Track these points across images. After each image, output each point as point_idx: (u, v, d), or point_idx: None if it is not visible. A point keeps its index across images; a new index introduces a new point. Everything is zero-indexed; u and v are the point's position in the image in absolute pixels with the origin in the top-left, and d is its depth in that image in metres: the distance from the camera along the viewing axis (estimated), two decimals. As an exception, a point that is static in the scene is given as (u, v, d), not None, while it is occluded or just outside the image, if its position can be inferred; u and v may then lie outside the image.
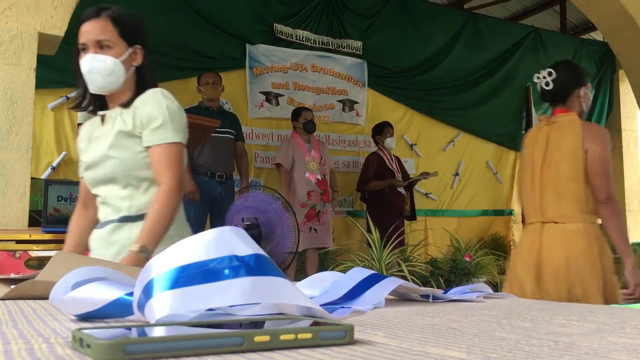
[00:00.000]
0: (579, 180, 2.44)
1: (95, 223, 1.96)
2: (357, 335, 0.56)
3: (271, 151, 5.90)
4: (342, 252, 5.73)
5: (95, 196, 1.95)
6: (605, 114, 8.26)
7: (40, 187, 3.71)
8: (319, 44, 6.45)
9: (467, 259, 5.87)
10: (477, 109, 7.36)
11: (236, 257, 0.59)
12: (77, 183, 3.58)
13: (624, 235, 2.51)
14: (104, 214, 1.90)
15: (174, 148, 1.83)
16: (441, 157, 7.13)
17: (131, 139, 1.83)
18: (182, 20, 5.61)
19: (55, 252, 1.23)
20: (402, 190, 5.86)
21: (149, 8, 5.45)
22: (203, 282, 0.56)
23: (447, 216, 7.07)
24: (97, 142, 1.92)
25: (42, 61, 4.15)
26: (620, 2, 5.71)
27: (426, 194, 6.97)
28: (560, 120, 2.54)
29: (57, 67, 4.82)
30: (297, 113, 5.43)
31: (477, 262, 5.90)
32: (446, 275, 5.80)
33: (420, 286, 1.09)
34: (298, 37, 6.32)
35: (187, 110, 4.81)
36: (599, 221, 2.53)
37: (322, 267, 5.43)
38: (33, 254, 2.48)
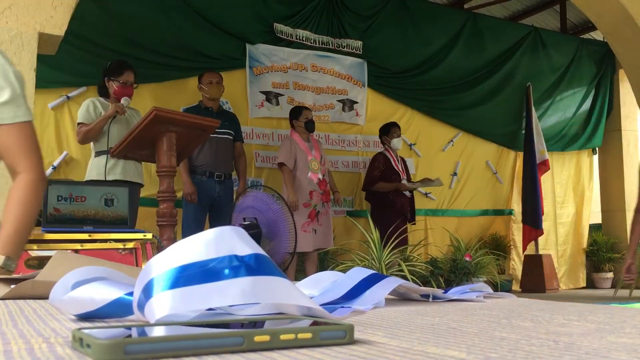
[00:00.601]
0: None
1: None
2: (357, 335, 0.56)
3: (271, 151, 5.90)
4: (342, 252, 5.73)
5: None
6: (605, 113, 8.25)
7: (40, 187, 3.71)
8: (319, 44, 6.45)
9: (467, 258, 5.87)
10: (477, 109, 7.35)
11: (236, 256, 0.59)
12: (78, 183, 3.58)
13: None
14: None
15: (29, 128, 1.51)
16: (440, 157, 7.13)
17: None
18: (182, 20, 5.61)
19: (55, 252, 1.23)
20: (407, 192, 5.88)
21: (149, 8, 5.46)
22: (203, 281, 0.56)
23: (447, 216, 7.06)
24: None
25: (42, 61, 4.15)
26: (620, 2, 5.71)
27: (426, 194, 6.97)
28: None
29: (57, 66, 4.83)
30: (297, 112, 5.41)
31: (477, 262, 5.90)
32: (446, 275, 5.80)
33: (420, 286, 1.09)
34: (298, 37, 6.32)
35: (187, 110, 4.86)
36: None
37: (322, 267, 5.43)
38: (33, 253, 2.48)
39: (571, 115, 8.09)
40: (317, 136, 6.23)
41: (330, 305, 0.82)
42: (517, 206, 7.57)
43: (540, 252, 7.34)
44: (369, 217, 5.35)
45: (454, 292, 1.03)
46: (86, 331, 0.48)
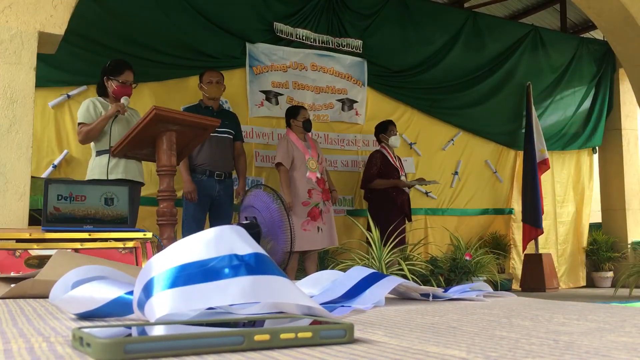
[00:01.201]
0: None
1: None
2: (357, 334, 0.56)
3: (271, 150, 5.90)
4: (342, 251, 5.73)
5: None
6: (605, 112, 8.25)
7: (40, 186, 3.71)
8: (318, 43, 6.44)
9: (467, 257, 5.86)
10: (477, 108, 7.35)
11: (236, 256, 0.59)
12: (77, 182, 3.58)
13: None
14: None
15: None
16: (440, 156, 7.13)
17: None
18: (182, 19, 5.61)
19: (55, 251, 1.23)
20: (406, 189, 5.88)
21: (149, 7, 5.45)
22: (203, 281, 0.56)
23: (447, 215, 7.06)
24: None
25: (42, 60, 4.15)
26: (621, 1, 5.71)
27: (426, 193, 6.97)
28: None
29: (57, 65, 4.83)
30: (295, 111, 5.41)
31: (477, 261, 5.90)
32: (446, 274, 5.80)
33: (420, 285, 1.09)
34: (298, 36, 6.32)
35: (187, 109, 4.86)
36: None
37: (322, 266, 5.43)
38: (33, 252, 2.48)
39: (571, 114, 8.09)
40: (317, 135, 6.23)
41: (330, 304, 0.82)
42: (517, 205, 7.57)
43: (540, 251, 7.34)
44: (369, 216, 5.35)
45: (454, 291, 1.03)
46: (86, 330, 0.48)
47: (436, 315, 0.73)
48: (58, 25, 3.88)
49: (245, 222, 3.39)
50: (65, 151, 5.00)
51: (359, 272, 0.91)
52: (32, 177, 3.78)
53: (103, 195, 2.72)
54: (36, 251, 2.48)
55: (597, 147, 8.30)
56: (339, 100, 6.55)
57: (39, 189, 3.75)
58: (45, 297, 0.84)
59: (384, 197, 5.72)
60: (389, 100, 6.85)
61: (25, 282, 1.01)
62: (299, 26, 6.31)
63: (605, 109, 8.24)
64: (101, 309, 0.68)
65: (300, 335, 0.50)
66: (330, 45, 6.50)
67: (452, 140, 7.22)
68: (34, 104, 3.82)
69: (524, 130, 7.58)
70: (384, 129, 5.96)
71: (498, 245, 7.14)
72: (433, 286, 2.47)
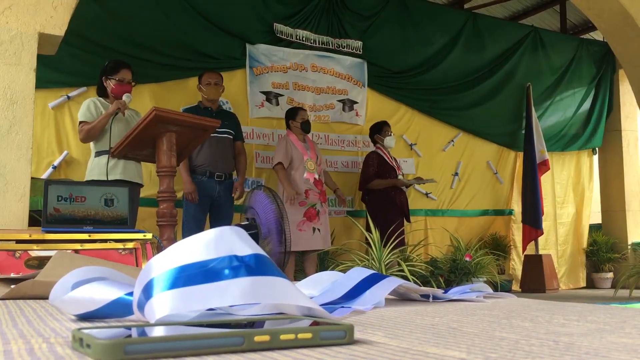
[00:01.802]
0: None
1: None
2: (357, 335, 0.56)
3: (272, 151, 5.90)
4: (342, 252, 5.73)
5: None
6: (605, 113, 8.25)
7: (40, 187, 3.71)
8: (319, 44, 6.45)
9: (467, 258, 5.86)
10: (477, 109, 7.35)
11: (236, 257, 0.59)
12: (77, 183, 3.58)
13: None
14: None
15: None
16: (441, 157, 7.13)
17: None
18: (183, 20, 5.61)
19: (55, 252, 1.23)
20: (404, 188, 5.89)
21: (149, 8, 5.46)
22: (203, 282, 0.56)
23: (447, 216, 7.07)
24: None
25: (42, 61, 4.15)
26: (620, 2, 5.71)
27: (426, 194, 6.97)
28: None
29: (57, 66, 4.83)
30: (294, 113, 5.43)
31: (477, 262, 5.90)
32: (446, 275, 5.80)
33: (420, 286, 1.10)
34: (298, 37, 6.32)
35: (186, 110, 4.86)
36: None
37: (322, 267, 5.43)
38: (33, 253, 2.48)
39: (571, 115, 8.09)
40: (317, 136, 6.23)
41: (330, 305, 0.82)
42: (517, 206, 7.57)
43: (540, 252, 7.34)
44: (368, 217, 5.35)
45: (454, 292, 1.03)
46: (86, 331, 0.48)
47: (436, 316, 0.73)
48: (58, 27, 3.89)
49: (244, 223, 3.39)
50: (65, 152, 5.00)
51: (358, 273, 0.91)
52: (32, 178, 3.78)
53: (103, 196, 2.72)
54: (36, 252, 2.48)
55: (597, 148, 8.30)
56: (339, 100, 6.56)
57: (39, 190, 3.75)
58: (45, 298, 0.84)
59: (382, 197, 5.72)
60: (389, 101, 6.85)
61: (25, 283, 1.01)
62: (299, 27, 6.32)
63: (605, 110, 8.25)
64: (101, 310, 0.68)
65: (300, 336, 0.50)
66: (330, 46, 6.51)
67: (452, 141, 7.22)
68: (34, 105, 3.82)
69: (523, 131, 7.58)
70: (379, 129, 5.97)
71: (498, 246, 7.14)
72: (433, 287, 2.47)
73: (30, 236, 2.52)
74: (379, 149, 5.94)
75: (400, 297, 1.03)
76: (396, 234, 4.99)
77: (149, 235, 2.70)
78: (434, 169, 6.93)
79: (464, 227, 7.11)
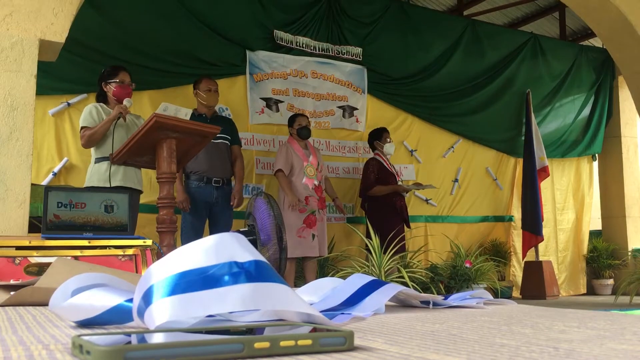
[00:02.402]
0: None
1: None
2: (357, 341, 0.56)
3: (272, 157, 5.91)
4: (342, 259, 5.72)
5: None
6: (605, 120, 8.26)
7: (40, 194, 3.71)
8: (319, 51, 6.46)
9: (467, 265, 5.86)
10: (477, 115, 7.37)
11: (236, 263, 0.59)
12: (77, 189, 3.58)
13: None
14: None
15: None
16: (441, 163, 7.13)
17: None
18: (183, 27, 5.63)
19: (55, 258, 1.23)
20: (404, 194, 5.89)
21: (149, 15, 5.47)
22: (203, 288, 0.56)
23: (447, 222, 7.06)
24: None
25: (43, 67, 4.16)
26: (620, 9, 5.73)
27: (426, 200, 6.97)
28: None
29: (57, 73, 4.84)
30: (292, 119, 5.46)
31: (477, 268, 5.89)
32: (446, 281, 5.79)
33: (420, 292, 1.09)
34: (298, 44, 6.34)
35: (185, 117, 4.84)
36: None
37: (321, 274, 5.42)
38: (33, 260, 2.48)
39: (571, 122, 8.10)
40: (318, 142, 6.24)
41: (330, 311, 0.82)
42: (517, 212, 7.57)
43: (541, 258, 7.33)
44: (368, 224, 5.35)
45: (454, 299, 1.03)
46: (86, 338, 0.48)
47: (436, 323, 0.73)
48: (59, 33, 3.90)
49: (243, 229, 3.39)
50: (65, 159, 5.00)
51: (358, 280, 0.91)
52: (32, 184, 3.78)
53: (103, 202, 2.72)
54: (36, 259, 2.48)
55: (596, 155, 8.31)
56: (339, 107, 6.57)
57: (39, 197, 3.75)
58: (45, 304, 0.84)
59: (383, 203, 5.71)
60: (389, 107, 6.87)
61: (24, 289, 1.00)
62: (299, 34, 6.34)
63: (604, 117, 8.26)
64: (101, 317, 0.68)
65: (300, 342, 0.50)
66: (330, 53, 6.53)
67: (452, 147, 7.23)
68: (34, 111, 3.83)
69: (523, 138, 7.59)
70: (379, 136, 5.97)
71: (498, 253, 7.14)
72: (433, 293, 2.47)
73: (30, 242, 2.52)
74: (378, 155, 5.94)
75: (401, 304, 1.02)
76: (396, 240, 4.98)
77: (148, 242, 2.70)
78: (434, 176, 6.93)
79: (464, 233, 7.10)
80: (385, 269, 4.71)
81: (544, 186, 7.61)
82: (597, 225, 8.39)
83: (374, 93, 6.76)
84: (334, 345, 0.51)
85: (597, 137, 8.19)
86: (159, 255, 2.73)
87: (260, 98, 6.12)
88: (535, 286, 7.10)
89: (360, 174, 6.13)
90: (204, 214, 4.70)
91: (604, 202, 8.29)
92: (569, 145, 8.05)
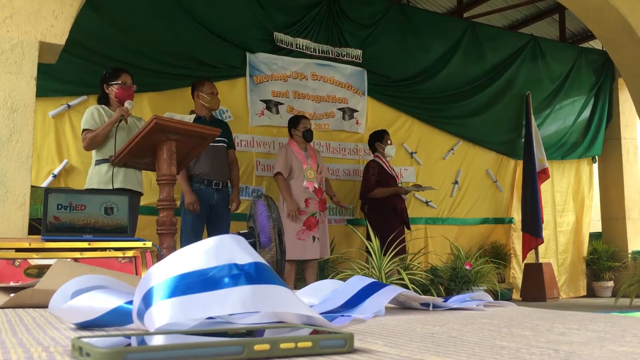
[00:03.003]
0: None
1: None
2: (357, 343, 0.56)
3: (272, 159, 5.91)
4: (342, 261, 5.72)
5: None
6: (605, 122, 8.27)
7: (40, 195, 3.71)
8: (319, 53, 6.47)
9: (467, 267, 5.86)
10: (477, 117, 7.37)
11: (236, 265, 0.59)
12: (77, 191, 3.58)
13: None
14: None
15: None
16: (441, 165, 7.14)
17: None
18: (183, 29, 5.63)
19: (54, 260, 1.23)
20: (404, 196, 5.89)
21: (149, 17, 5.48)
22: (203, 290, 0.56)
23: (447, 224, 7.06)
24: None
25: (43, 70, 4.16)
26: (620, 11, 5.74)
27: (426, 202, 6.97)
28: None
29: (57, 75, 4.84)
30: (296, 121, 5.43)
31: (477, 270, 5.89)
32: (446, 283, 5.79)
33: (421, 294, 1.09)
34: (298, 46, 6.34)
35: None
36: None
37: (321, 276, 5.42)
38: (33, 262, 2.47)
39: (570, 124, 8.11)
40: (318, 144, 6.24)
41: (330, 314, 0.82)
42: (517, 215, 7.57)
43: (541, 260, 7.33)
44: (368, 226, 5.34)
45: (454, 301, 1.03)
46: (86, 340, 0.48)
47: (436, 325, 0.73)
48: (59, 35, 3.90)
49: (242, 231, 3.39)
50: (65, 161, 5.00)
51: (358, 282, 0.91)
52: (32, 186, 3.78)
53: (103, 204, 2.72)
54: (36, 260, 2.48)
55: (596, 157, 8.31)
56: (339, 109, 6.57)
57: (38, 198, 3.75)
58: (45, 306, 0.84)
59: (383, 204, 5.71)
60: (389, 109, 6.87)
61: (24, 291, 1.00)
62: (299, 36, 6.34)
63: (604, 119, 8.26)
64: (101, 319, 0.68)
65: (300, 344, 0.50)
66: (330, 55, 6.53)
67: (452, 149, 7.23)
68: (35, 113, 3.83)
69: (523, 140, 7.59)
70: (380, 138, 5.97)
71: (498, 255, 7.13)
72: (433, 295, 2.46)
73: (30, 244, 2.52)
74: (378, 157, 5.94)
75: (401, 306, 1.02)
76: (396, 242, 4.98)
77: (148, 244, 2.70)
78: (434, 177, 6.93)
79: (464, 235, 7.10)
80: (385, 271, 4.71)
81: (544, 188, 7.61)
82: (597, 227, 8.39)
83: (374, 95, 6.77)
84: (334, 348, 0.51)
85: (597, 139, 8.20)
86: (158, 257, 2.73)
87: (260, 100, 6.13)
88: (535, 288, 7.09)
89: (361, 176, 6.13)
90: (204, 216, 4.71)
91: (604, 204, 8.29)
92: (569, 148, 8.06)
